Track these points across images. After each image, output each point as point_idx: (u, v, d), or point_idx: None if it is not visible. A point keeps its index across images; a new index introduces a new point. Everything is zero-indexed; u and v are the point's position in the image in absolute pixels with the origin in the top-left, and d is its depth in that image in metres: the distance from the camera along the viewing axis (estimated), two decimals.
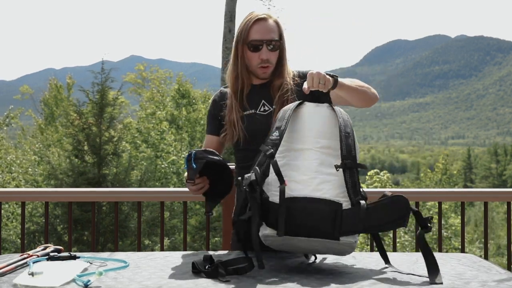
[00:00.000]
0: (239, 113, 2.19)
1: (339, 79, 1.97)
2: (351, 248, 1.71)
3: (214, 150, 1.91)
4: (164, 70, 30.69)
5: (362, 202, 1.69)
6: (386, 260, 1.81)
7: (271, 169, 1.73)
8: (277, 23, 2.17)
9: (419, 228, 1.70)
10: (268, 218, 1.70)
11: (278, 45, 2.16)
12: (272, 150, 1.76)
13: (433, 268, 1.62)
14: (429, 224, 1.68)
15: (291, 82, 2.20)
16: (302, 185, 1.73)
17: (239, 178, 1.75)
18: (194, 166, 1.84)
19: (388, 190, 2.10)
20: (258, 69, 2.16)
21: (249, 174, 1.70)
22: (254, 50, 2.13)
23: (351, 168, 1.74)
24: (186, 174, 1.90)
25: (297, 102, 1.88)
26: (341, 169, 1.73)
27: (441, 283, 1.56)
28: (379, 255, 1.87)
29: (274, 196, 1.70)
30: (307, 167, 1.76)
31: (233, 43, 2.20)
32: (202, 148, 1.93)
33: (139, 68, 34.20)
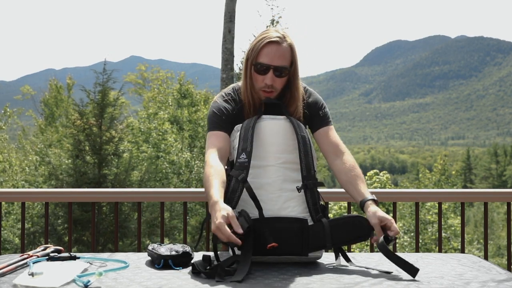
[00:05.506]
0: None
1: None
2: (318, 259, 1.85)
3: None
4: (165, 70, 30.72)
5: (324, 220, 1.79)
6: (347, 259, 1.86)
7: (245, 191, 1.79)
8: (291, 47, 2.01)
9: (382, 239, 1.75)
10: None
11: (286, 72, 2.01)
12: (243, 174, 1.80)
13: (406, 265, 1.67)
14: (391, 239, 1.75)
15: (302, 107, 2.06)
16: (269, 204, 1.80)
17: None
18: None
19: (393, 190, 2.14)
20: (261, 92, 2.03)
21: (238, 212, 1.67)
22: (260, 73, 2.00)
23: (311, 188, 1.82)
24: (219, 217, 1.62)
25: (255, 118, 1.90)
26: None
27: (418, 269, 1.64)
28: (379, 255, 1.90)
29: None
30: (272, 185, 1.82)
31: (244, 58, 2.07)
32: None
33: (140, 69, 34.27)
